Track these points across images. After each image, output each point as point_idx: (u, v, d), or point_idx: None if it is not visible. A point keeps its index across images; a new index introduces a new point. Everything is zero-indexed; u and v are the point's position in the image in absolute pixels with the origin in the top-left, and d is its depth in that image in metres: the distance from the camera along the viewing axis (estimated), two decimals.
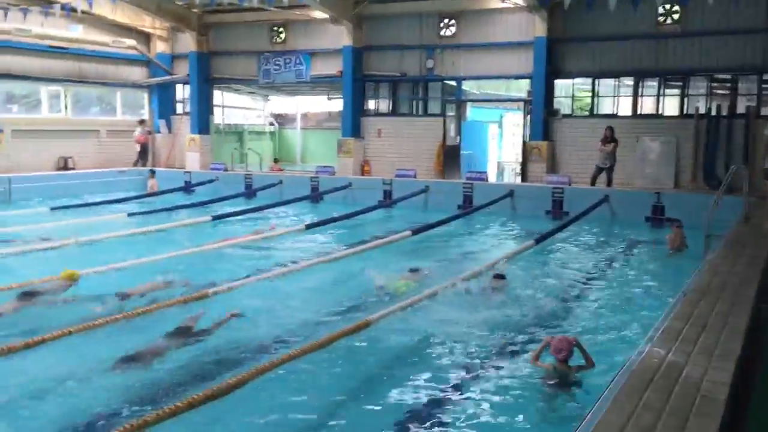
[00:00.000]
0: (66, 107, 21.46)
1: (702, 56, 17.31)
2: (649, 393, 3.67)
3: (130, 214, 15.04)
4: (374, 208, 16.65)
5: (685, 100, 17.95)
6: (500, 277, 9.18)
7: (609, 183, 17.09)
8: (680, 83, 18.00)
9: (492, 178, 20.13)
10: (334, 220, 14.54)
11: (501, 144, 24.44)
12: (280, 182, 19.43)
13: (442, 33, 20.15)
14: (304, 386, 5.72)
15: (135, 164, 22.12)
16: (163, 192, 19.25)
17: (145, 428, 4.40)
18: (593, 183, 17.25)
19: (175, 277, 8.98)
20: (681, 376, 3.94)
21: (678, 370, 4.03)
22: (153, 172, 20.56)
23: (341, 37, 20.73)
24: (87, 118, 22.17)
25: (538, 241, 12.18)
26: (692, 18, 17.31)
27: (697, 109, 17.61)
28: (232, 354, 6.49)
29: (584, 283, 9.81)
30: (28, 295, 7.65)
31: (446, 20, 20.05)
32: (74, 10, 17.25)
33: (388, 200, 17.91)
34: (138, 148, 22.35)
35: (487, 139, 23.47)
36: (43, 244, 11.24)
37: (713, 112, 17.36)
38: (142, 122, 22.89)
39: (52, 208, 15.60)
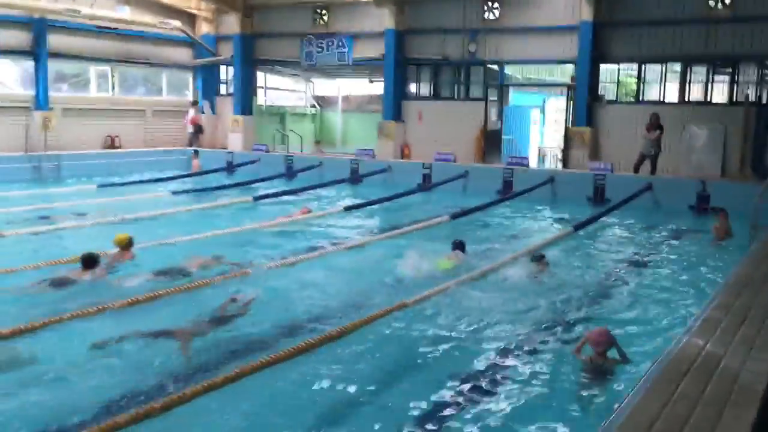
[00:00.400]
0: (113, 87, 21.85)
1: (753, 42, 16.81)
2: (686, 382, 3.65)
3: (174, 193, 15.32)
4: (413, 191, 16.65)
5: (735, 87, 17.49)
6: (540, 258, 9.14)
7: (653, 171, 16.81)
8: (730, 70, 17.50)
9: (533, 163, 19.93)
10: (372, 202, 14.59)
11: (543, 129, 24.14)
12: (320, 164, 19.53)
13: (485, 16, 19.94)
14: (338, 367, 5.76)
15: (190, 144, 22.33)
16: (206, 172, 19.54)
17: (180, 404, 4.52)
18: (636, 170, 16.96)
19: (223, 255, 9.18)
20: (719, 367, 3.90)
21: (716, 361, 4.00)
22: (197, 153, 20.83)
23: (383, 19, 20.66)
24: (133, 98, 22.53)
25: (577, 228, 12.07)
26: (744, 2, 16.80)
27: (746, 96, 17.14)
28: (266, 334, 6.55)
29: (625, 272, 9.68)
30: (92, 262, 7.91)
31: (490, 3, 19.84)
32: None
33: (427, 184, 17.85)
34: (191, 128, 22.60)
35: (529, 125, 23.23)
36: (89, 220, 11.57)
37: (764, 100, 16.93)
38: (195, 103, 23.14)
39: (99, 186, 15.96)
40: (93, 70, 21.42)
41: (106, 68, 21.60)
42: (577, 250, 11.00)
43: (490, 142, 20.17)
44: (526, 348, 6.41)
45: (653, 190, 15.70)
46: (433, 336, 6.66)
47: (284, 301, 7.66)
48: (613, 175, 16.50)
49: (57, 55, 19.96)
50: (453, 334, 6.74)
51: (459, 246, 9.70)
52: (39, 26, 19.23)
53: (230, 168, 20.45)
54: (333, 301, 7.74)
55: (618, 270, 9.79)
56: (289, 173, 19.48)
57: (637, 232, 13.07)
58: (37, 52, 19.29)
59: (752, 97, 17.12)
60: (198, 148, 21.60)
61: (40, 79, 19.35)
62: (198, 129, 22.75)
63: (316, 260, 9.46)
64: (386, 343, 6.44)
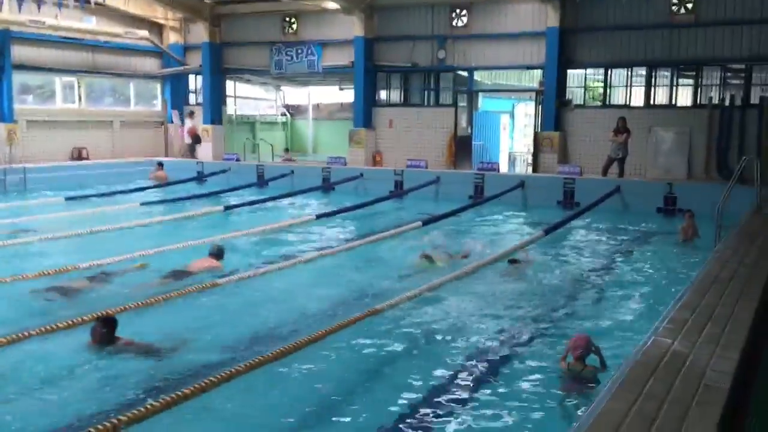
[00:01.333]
0: (80, 98, 21.62)
1: (716, 46, 17.11)
2: (652, 382, 3.69)
3: (143, 204, 15.17)
4: (385, 198, 16.71)
5: (699, 90, 17.75)
6: (515, 261, 9.34)
7: (621, 174, 17.03)
8: (694, 73, 17.83)
9: (503, 168, 20.10)
10: (345, 210, 14.61)
11: (512, 134, 24.36)
12: (292, 172, 19.50)
13: (453, 23, 20.05)
14: (313, 374, 5.73)
15: (184, 155, 22.61)
16: (176, 182, 19.33)
17: (146, 418, 4.48)
18: (605, 173, 17.21)
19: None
20: (685, 366, 3.96)
21: (682, 360, 4.05)
22: (161, 164, 20.67)
23: (352, 27, 20.66)
24: (101, 109, 22.28)
25: (547, 232, 12.19)
26: (706, 7, 17.13)
27: (710, 99, 17.46)
28: (240, 342, 6.50)
29: (595, 274, 9.77)
30: (102, 274, 8.34)
31: (458, 10, 19.96)
32: (88, 1, 17.34)
33: (399, 190, 17.94)
34: (189, 140, 22.69)
35: (499, 130, 23.41)
36: (59, 233, 11.34)
37: (727, 103, 17.18)
38: (191, 114, 23.07)
39: (67, 198, 15.77)
40: (59, 81, 21.15)
41: (72, 79, 21.34)
42: (548, 253, 11.10)
43: (461, 147, 20.29)
44: (500, 355, 6.38)
45: (621, 193, 15.94)
46: (405, 343, 6.63)
47: (255, 310, 7.63)
48: (582, 179, 16.75)
49: (21, 66, 19.68)
50: (426, 340, 6.75)
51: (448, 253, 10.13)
52: (2, 38, 18.94)
53: (201, 178, 20.31)
54: (306, 309, 7.70)
55: (588, 273, 9.91)
56: (261, 182, 19.40)
57: (607, 235, 13.22)
58: (0, 64, 18.98)
59: (716, 100, 17.40)
60: (177, 159, 21.55)
61: (4, 92, 19.02)
62: (196, 139, 22.70)
63: (289, 269, 9.42)
64: (359, 350, 6.38)
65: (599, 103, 19.11)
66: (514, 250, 10.55)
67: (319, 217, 13.77)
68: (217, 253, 9.41)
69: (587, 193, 15.83)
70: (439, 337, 6.75)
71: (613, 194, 15.70)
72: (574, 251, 11.51)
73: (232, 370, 5.22)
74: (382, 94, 21.46)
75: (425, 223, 12.89)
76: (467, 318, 7.33)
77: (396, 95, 21.31)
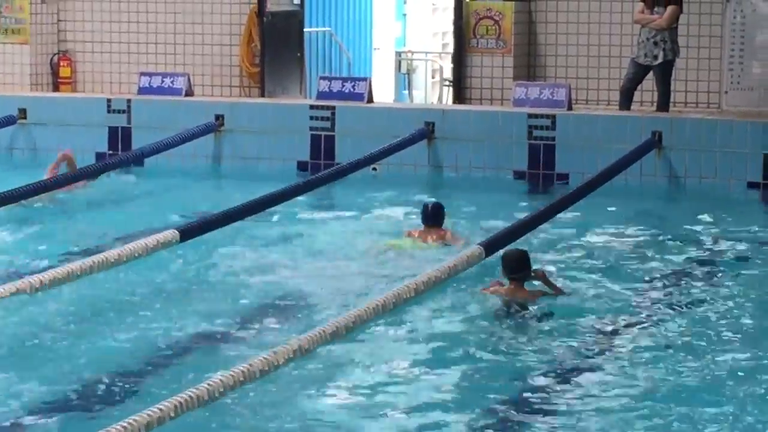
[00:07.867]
0: None
1: None
2: None
3: None
4: (85, 174, 16.52)
5: None
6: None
7: (663, 102, 17.77)
8: None
9: (382, 91, 21.85)
10: None
11: (403, 9, 25.35)
12: None
13: None
14: None
15: None
16: None
17: None
18: (625, 103, 17.92)
19: None
20: None
21: None
22: None
23: None
24: None
25: (489, 248, 12.27)
26: None
27: None
28: None
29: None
30: None
31: None
32: None
33: (117, 155, 18.46)
34: None
35: (370, 1, 24.47)
36: None
37: None
38: None
39: None
40: None
41: None
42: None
43: (277, 42, 20.62)
44: None
45: (663, 149, 16.50)
46: None
47: None
48: (572, 115, 17.32)
49: None
50: None
51: (434, 216, 12.40)
52: None
53: None
54: None
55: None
56: None
57: (638, 245, 13.85)
58: None
59: None
60: None
61: None
62: None
63: None
64: None
65: None
66: (426, 284, 10.81)
67: None
68: None
69: (580, 153, 16.61)
70: None
71: (646, 152, 16.34)
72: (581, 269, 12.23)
73: None
74: None
75: (185, 233, 12.89)
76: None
77: None
